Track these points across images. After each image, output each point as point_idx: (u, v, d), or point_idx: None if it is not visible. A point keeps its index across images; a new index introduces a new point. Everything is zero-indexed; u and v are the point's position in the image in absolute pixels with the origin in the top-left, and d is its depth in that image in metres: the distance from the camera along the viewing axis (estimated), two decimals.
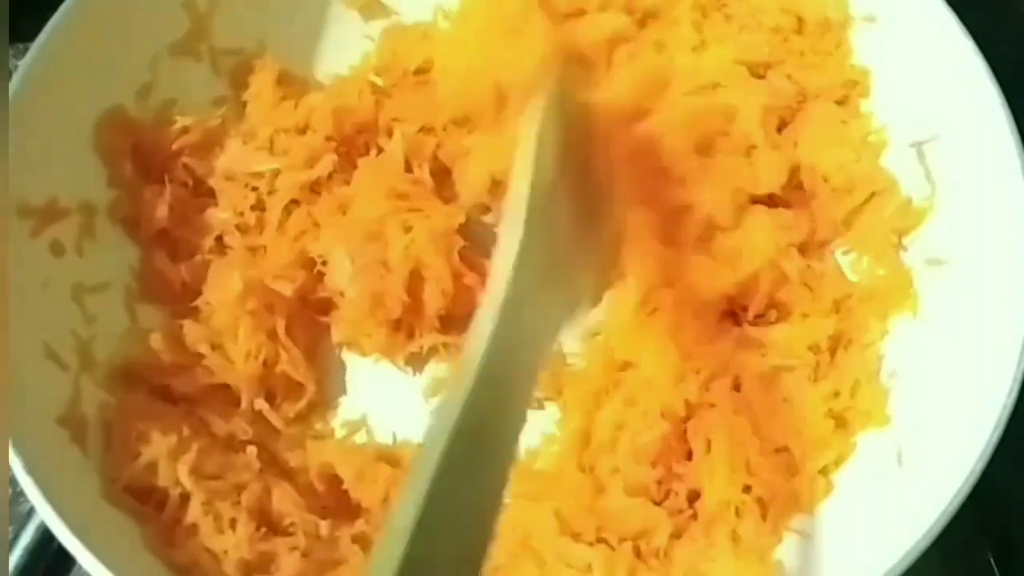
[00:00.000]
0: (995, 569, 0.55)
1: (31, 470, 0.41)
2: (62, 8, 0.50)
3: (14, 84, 0.48)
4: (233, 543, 0.46)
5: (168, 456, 0.47)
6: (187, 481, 0.47)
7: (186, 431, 0.49)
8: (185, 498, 0.47)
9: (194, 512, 0.46)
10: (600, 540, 0.48)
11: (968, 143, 0.51)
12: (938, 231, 0.52)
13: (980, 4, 0.52)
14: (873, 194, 0.54)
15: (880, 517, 0.45)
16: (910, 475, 0.46)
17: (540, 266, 0.39)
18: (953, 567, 0.53)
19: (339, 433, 0.53)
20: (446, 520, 0.32)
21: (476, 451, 0.34)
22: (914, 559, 0.42)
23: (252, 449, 0.50)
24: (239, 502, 0.47)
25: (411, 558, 0.30)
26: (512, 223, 0.39)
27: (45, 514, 0.41)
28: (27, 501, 0.42)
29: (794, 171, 0.55)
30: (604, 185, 0.45)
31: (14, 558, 0.52)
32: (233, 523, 0.46)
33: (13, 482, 0.42)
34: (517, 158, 0.40)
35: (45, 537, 0.52)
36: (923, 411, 0.48)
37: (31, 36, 0.49)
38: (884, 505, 0.46)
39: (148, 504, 0.47)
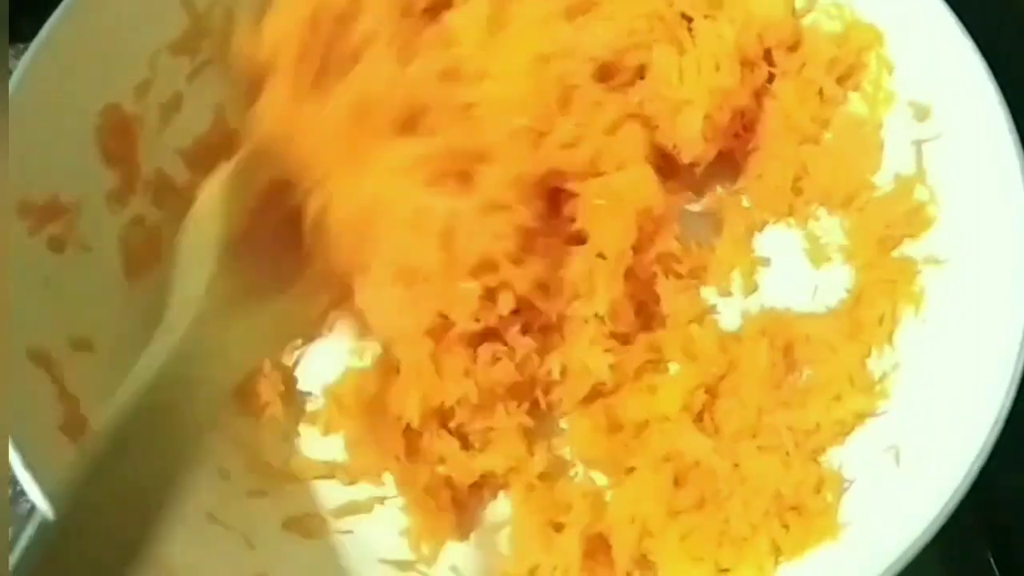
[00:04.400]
0: (995, 569, 0.55)
1: (31, 468, 0.41)
2: (62, 8, 0.50)
3: (14, 84, 0.48)
4: None
5: None
6: None
7: None
8: None
9: None
10: None
11: (968, 143, 0.51)
12: (938, 231, 0.52)
13: (980, 4, 0.52)
14: (874, 196, 0.54)
15: (879, 517, 0.45)
16: (909, 474, 0.46)
17: (228, 296, 0.43)
18: (953, 567, 0.53)
19: None
20: (110, 497, 0.35)
21: (149, 440, 0.37)
22: (913, 558, 0.42)
23: None
24: None
25: (66, 527, 0.34)
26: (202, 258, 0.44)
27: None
28: (27, 501, 0.42)
29: (797, 178, 0.55)
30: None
31: (14, 558, 0.52)
32: None
33: (13, 482, 0.42)
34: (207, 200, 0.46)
35: None
36: (922, 410, 0.48)
37: (31, 36, 0.49)
38: (883, 505, 0.46)
39: None
